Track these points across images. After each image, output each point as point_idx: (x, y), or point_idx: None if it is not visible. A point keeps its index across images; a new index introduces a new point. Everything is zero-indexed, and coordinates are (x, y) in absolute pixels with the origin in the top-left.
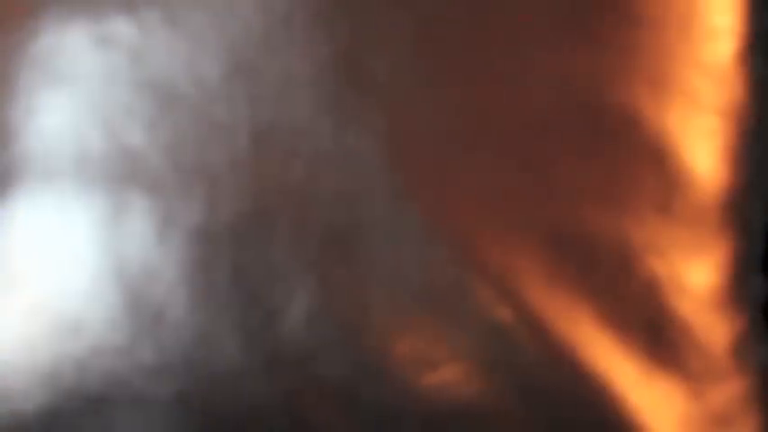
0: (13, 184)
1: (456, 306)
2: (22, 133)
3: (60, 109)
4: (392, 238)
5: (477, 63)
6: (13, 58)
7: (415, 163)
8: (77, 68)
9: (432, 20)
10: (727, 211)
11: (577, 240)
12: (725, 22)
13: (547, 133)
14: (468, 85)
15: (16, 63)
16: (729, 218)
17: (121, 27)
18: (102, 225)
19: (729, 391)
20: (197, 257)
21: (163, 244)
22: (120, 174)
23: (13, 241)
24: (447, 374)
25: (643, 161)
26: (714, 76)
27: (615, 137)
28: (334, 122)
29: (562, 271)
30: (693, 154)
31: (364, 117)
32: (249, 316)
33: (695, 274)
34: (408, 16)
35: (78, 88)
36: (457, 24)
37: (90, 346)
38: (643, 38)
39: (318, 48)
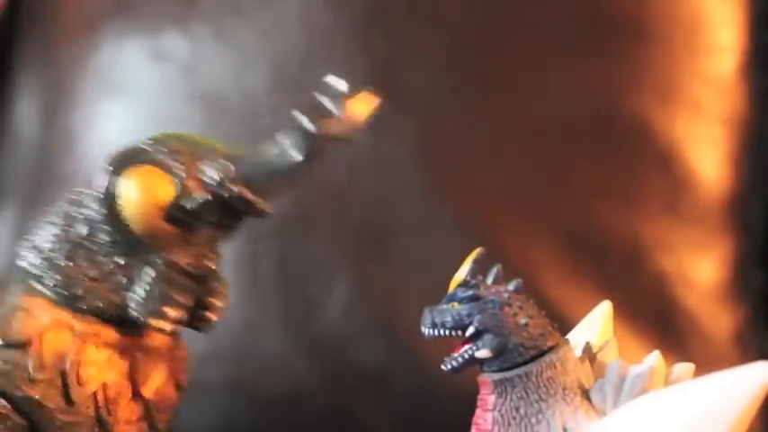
0: (75, 186)
1: None
2: (83, 139)
3: (118, 118)
4: (423, 236)
5: (500, 75)
6: (74, 70)
7: (444, 167)
8: (134, 80)
9: (459, 36)
10: (730, 211)
11: (592, 237)
12: (728, 38)
13: (564, 139)
14: (493, 96)
15: (78, 75)
16: (732, 217)
17: (175, 42)
18: None
19: None
20: (244, 254)
21: None
22: None
23: None
24: None
25: (652, 165)
26: (718, 87)
27: (626, 143)
28: (369, 129)
29: (578, 265)
30: (698, 159)
31: (398, 125)
32: (292, 308)
33: (700, 269)
34: (438, 33)
35: (134, 99)
36: (482, 40)
37: None
38: (652, 53)
39: (356, 61)
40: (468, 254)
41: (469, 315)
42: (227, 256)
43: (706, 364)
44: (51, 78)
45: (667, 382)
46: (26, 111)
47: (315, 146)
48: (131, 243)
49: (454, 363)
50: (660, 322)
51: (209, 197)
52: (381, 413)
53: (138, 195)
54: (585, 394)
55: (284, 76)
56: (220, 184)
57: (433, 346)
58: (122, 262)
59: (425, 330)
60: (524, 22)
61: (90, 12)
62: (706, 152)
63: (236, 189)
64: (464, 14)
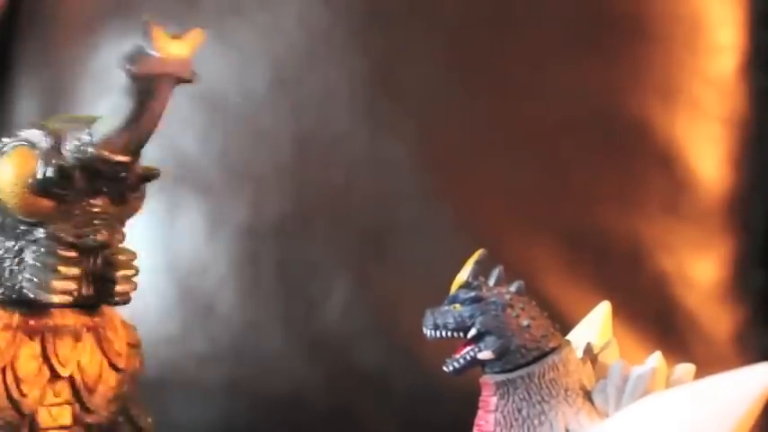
0: None
1: None
2: None
3: None
4: (423, 236)
5: (500, 75)
6: (74, 70)
7: (444, 167)
8: None
9: (459, 36)
10: (730, 211)
11: (592, 237)
12: (728, 38)
13: (564, 139)
14: (492, 96)
15: (78, 75)
16: (732, 217)
17: None
18: (157, 224)
19: None
20: (243, 254)
21: (212, 241)
22: (174, 177)
23: None
24: None
25: (652, 165)
26: (718, 87)
27: (627, 143)
28: (369, 130)
29: (578, 265)
30: (699, 159)
31: (397, 125)
32: (291, 308)
33: (700, 269)
34: (438, 33)
35: None
36: (482, 40)
37: (147, 336)
38: (652, 52)
39: (355, 61)
40: (467, 254)
41: (471, 317)
42: (228, 256)
43: (706, 364)
44: (51, 78)
45: (669, 383)
46: (26, 111)
47: (141, 87)
48: (15, 225)
49: (456, 364)
50: (660, 322)
51: (66, 163)
52: (382, 414)
53: (8, 174)
54: (587, 395)
55: (283, 76)
56: (77, 149)
57: (433, 347)
58: (12, 245)
59: (427, 332)
60: (524, 22)
61: (90, 12)
62: (706, 152)
63: (91, 150)
64: (463, 14)
